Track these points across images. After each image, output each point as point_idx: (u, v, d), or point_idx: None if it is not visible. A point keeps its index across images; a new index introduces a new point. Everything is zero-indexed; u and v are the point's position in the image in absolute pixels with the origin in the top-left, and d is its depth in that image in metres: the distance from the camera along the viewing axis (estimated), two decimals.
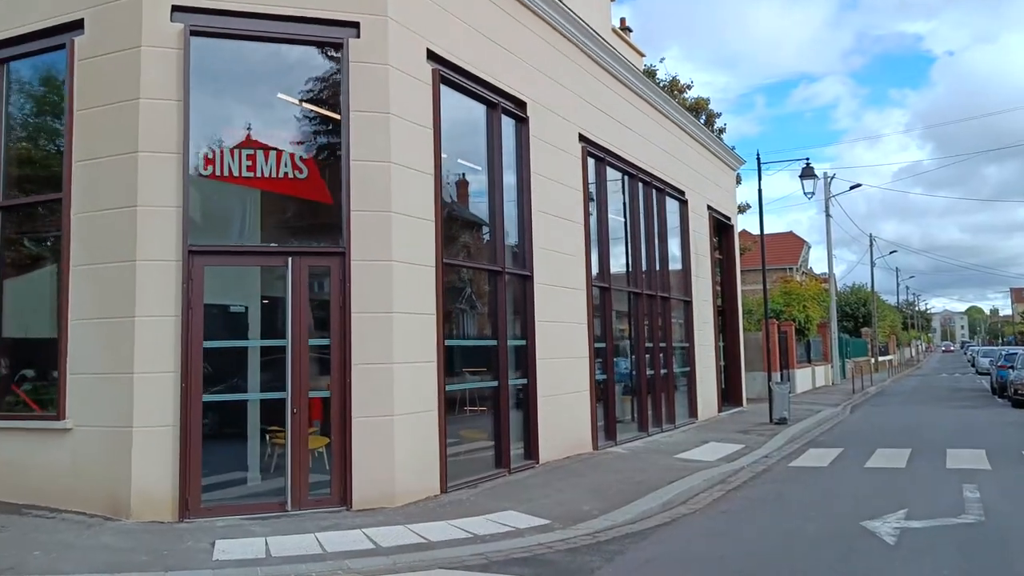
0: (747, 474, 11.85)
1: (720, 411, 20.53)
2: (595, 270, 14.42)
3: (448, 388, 9.95)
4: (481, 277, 11.37)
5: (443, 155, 10.15)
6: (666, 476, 10.91)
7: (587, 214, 13.84)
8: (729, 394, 22.78)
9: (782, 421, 17.98)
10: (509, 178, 11.92)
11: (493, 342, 11.13)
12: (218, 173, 8.78)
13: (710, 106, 29.42)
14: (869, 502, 9.40)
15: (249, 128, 8.94)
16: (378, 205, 9.01)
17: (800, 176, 19.54)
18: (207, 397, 8.38)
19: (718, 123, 29.96)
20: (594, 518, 8.52)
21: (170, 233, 8.34)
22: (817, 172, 19.24)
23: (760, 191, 18.65)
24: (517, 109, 11.92)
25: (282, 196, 9.11)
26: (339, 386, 8.74)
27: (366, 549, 7.22)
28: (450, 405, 10.27)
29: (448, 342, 10.13)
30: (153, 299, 8.24)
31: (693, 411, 18.65)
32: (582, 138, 13.89)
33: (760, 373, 27.31)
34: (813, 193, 19.01)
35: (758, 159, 18.54)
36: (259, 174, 8.91)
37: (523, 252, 11.94)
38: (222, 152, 8.79)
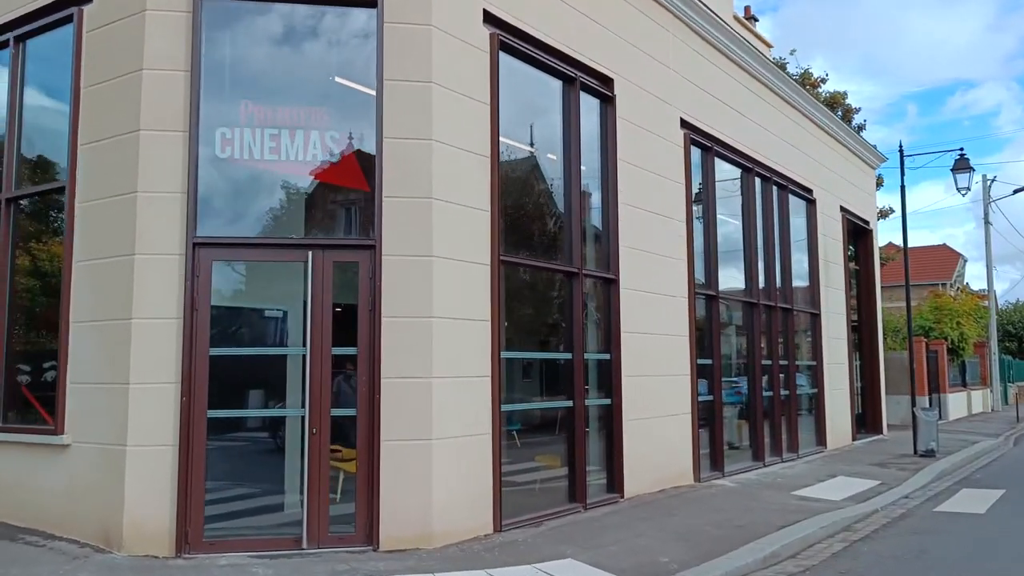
0: (880, 519, 9.77)
1: (855, 439, 18.10)
2: (700, 276, 12.62)
3: (506, 408, 8.46)
4: (552, 280, 9.83)
5: (510, 139, 8.72)
6: (776, 519, 9.02)
7: (691, 211, 12.07)
8: (867, 420, 20.27)
9: (929, 453, 15.49)
10: (591, 166, 10.35)
11: (567, 355, 9.55)
12: (237, 156, 7.64)
13: (847, 101, 26.72)
14: None
15: (273, 105, 7.77)
16: (416, 191, 7.65)
17: (952, 170, 16.94)
18: (213, 413, 7.20)
19: (856, 119, 27.21)
20: (671, 574, 6.81)
21: (173, 223, 7.25)
22: (975, 172, 16.61)
23: (903, 187, 16.24)
24: (601, 86, 10.35)
25: (310, 182, 7.89)
26: (366, 404, 7.40)
27: None
28: (515, 429, 8.81)
29: (507, 354, 8.65)
30: (153, 299, 7.16)
31: (821, 439, 16.38)
32: (685, 124, 12.15)
33: (904, 397, 24.35)
34: (968, 189, 16.42)
35: (900, 152, 16.15)
36: (283, 157, 7.73)
37: (606, 252, 10.32)
38: (242, 132, 7.67)
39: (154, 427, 7.04)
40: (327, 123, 7.85)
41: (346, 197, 7.94)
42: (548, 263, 9.60)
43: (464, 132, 8.10)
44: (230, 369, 7.41)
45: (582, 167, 9.93)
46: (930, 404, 25.43)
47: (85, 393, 7.46)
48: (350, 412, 7.44)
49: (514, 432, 10.02)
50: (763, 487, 11.59)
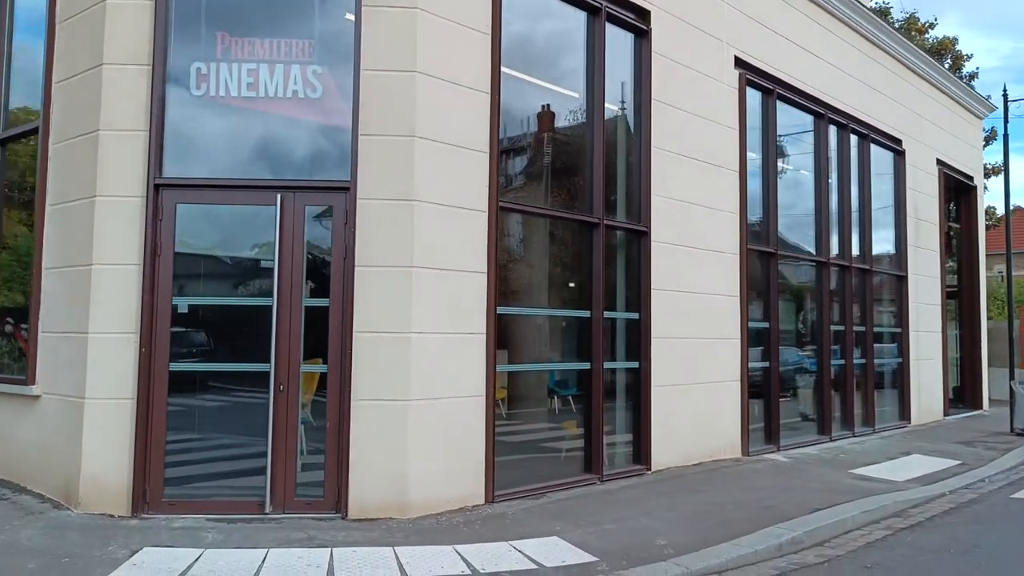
0: (942, 505, 8.61)
1: (947, 414, 16.56)
2: (758, 231, 11.51)
3: (504, 369, 7.74)
4: (571, 231, 8.99)
5: (524, 75, 7.90)
6: (815, 500, 8.03)
7: (744, 159, 10.94)
8: (965, 394, 18.60)
9: None
10: (625, 104, 9.42)
11: (584, 314, 8.72)
12: (212, 93, 7.11)
13: (957, 47, 24.39)
14: None
15: (251, 37, 7.18)
16: (396, 129, 6.94)
17: None
18: (176, 367, 6.75)
19: (968, 67, 24.85)
20: (662, 559, 5.99)
21: (135, 163, 6.78)
22: None
23: (1006, 135, 14.52)
24: (636, 19, 9.35)
25: (288, 120, 7.28)
26: (337, 359, 6.81)
27: None
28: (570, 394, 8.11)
29: (507, 309, 7.91)
30: (113, 244, 6.73)
31: (905, 413, 14.98)
32: (740, 63, 10.99)
33: (1018, 370, 22.46)
34: None
35: (1004, 96, 14.39)
36: (262, 93, 7.16)
37: (637, 202, 9.38)
38: (218, 68, 7.12)
39: (113, 380, 6.64)
40: (309, 56, 7.22)
41: (328, 137, 7.29)
42: (561, 212, 8.75)
43: (458, 65, 7.33)
44: (196, 320, 6.94)
45: (622, 109, 9.02)
46: None
47: (53, 343, 7.15)
48: (320, 368, 6.86)
49: (569, 397, 9.36)
50: (820, 464, 10.51)
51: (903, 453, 11.79)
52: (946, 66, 24.92)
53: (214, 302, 7.07)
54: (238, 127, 7.26)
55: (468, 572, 5.61)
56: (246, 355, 6.92)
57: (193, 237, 7.06)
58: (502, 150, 8.12)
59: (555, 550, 6.14)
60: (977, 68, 29.85)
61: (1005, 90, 14.42)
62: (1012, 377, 15.03)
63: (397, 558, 5.80)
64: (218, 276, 7.19)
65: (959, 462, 11.23)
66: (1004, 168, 14.34)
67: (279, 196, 6.82)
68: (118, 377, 6.64)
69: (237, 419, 7.04)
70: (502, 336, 8.48)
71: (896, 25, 25.70)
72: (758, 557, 6.28)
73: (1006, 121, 14.58)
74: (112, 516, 6.53)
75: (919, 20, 25.26)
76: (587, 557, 6.00)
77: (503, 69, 7.75)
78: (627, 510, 7.40)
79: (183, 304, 6.83)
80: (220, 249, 7.25)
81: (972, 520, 7.91)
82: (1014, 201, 69.16)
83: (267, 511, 6.64)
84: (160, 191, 6.78)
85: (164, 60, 6.90)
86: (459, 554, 5.95)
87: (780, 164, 12.20)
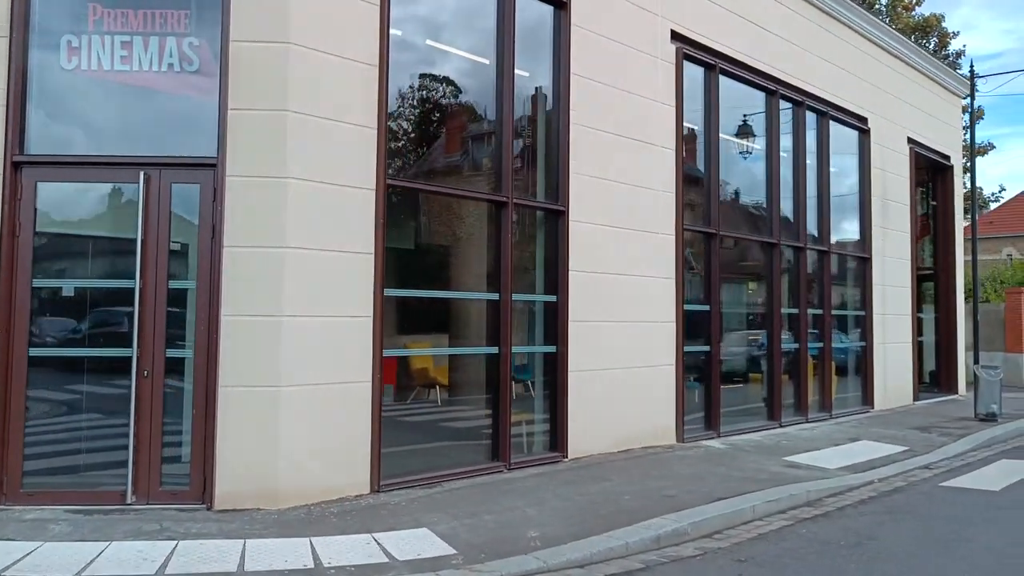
0: (864, 493, 8.29)
1: (917, 399, 16.16)
2: (699, 211, 11.16)
3: (391, 353, 7.46)
4: (475, 209, 8.67)
5: (434, 43, 7.59)
6: (725, 489, 7.72)
7: (680, 136, 10.57)
8: (940, 378, 18.19)
9: (989, 417, 13.53)
10: (541, 81, 9.10)
11: (493, 296, 8.42)
12: (84, 67, 6.84)
13: (943, 24, 23.78)
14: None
15: (125, 8, 6.88)
16: (267, 103, 6.64)
17: None
18: (35, 352, 6.50)
19: (954, 45, 24.24)
20: (526, 552, 5.71)
21: None
22: None
23: (972, 111, 14.06)
24: None
25: (165, 94, 6.99)
26: (203, 344, 6.54)
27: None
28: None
29: (397, 292, 7.63)
30: None
31: (868, 398, 14.61)
32: (678, 36, 10.60)
33: (998, 354, 22.03)
34: None
35: (971, 71, 13.89)
36: (136, 67, 6.88)
37: (555, 180, 9.04)
38: (90, 40, 6.84)
39: None
40: (186, 28, 6.93)
41: (201, 112, 6.98)
42: (462, 190, 8.43)
43: (340, 35, 7.01)
44: (58, 304, 6.68)
45: (539, 85, 8.68)
46: None
47: None
48: (186, 353, 6.60)
49: (528, 382, 9.12)
50: (756, 451, 10.19)
51: (851, 439, 11.44)
52: (932, 44, 24.32)
53: (76, 284, 6.79)
54: (110, 102, 6.99)
55: (311, 566, 5.35)
56: (110, 340, 6.66)
57: (57, 217, 6.79)
58: (399, 124, 7.83)
59: (418, 542, 5.87)
60: (964, 46, 29.18)
61: (972, 67, 13.92)
62: (976, 362, 14.62)
63: (243, 551, 5.55)
64: (84, 257, 6.91)
65: (906, 448, 10.88)
66: (970, 148, 13.88)
67: (143, 173, 6.54)
68: None
69: (104, 406, 6.77)
70: (408, 320, 8.23)
71: (884, 2, 25.11)
72: (629, 550, 5.98)
73: (972, 98, 14.09)
74: None
75: None
76: (447, 550, 5.73)
77: (402, 37, 7.43)
78: (518, 500, 7.12)
79: (44, 287, 6.57)
80: (86, 229, 6.96)
81: (885, 510, 7.58)
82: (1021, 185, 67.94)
83: (129, 501, 6.39)
84: (19, 169, 6.51)
85: (25, 30, 6.62)
86: (312, 547, 5.69)
87: (746, 143, 11.85)
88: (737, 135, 12.61)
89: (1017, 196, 55.35)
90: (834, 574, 5.63)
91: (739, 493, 7.60)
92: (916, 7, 24.69)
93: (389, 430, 7.61)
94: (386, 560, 5.51)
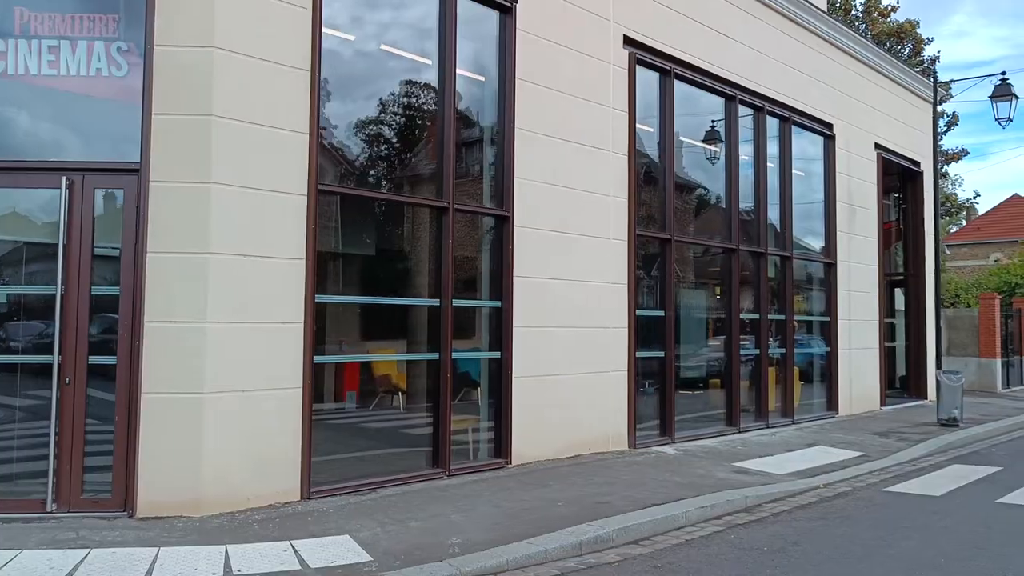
0: (807, 499, 8.28)
1: (884, 404, 16.16)
2: (653, 216, 11.15)
3: (321, 360, 7.42)
4: (415, 214, 8.65)
5: (372, 46, 7.56)
6: (663, 495, 7.69)
7: (633, 142, 10.56)
8: (910, 383, 18.19)
9: (951, 422, 13.53)
10: (488, 85, 9.08)
11: (433, 302, 8.39)
12: (12, 71, 6.81)
13: (918, 30, 23.80)
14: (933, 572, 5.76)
15: (52, 11, 6.86)
16: (192, 107, 6.62)
17: (991, 97, 14.49)
18: None
19: (929, 51, 24.28)
20: (441, 559, 5.67)
21: None
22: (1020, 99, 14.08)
23: (935, 116, 14.05)
24: None
25: (92, 99, 6.96)
26: (126, 351, 6.50)
27: None
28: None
29: (329, 298, 7.61)
30: None
31: (832, 403, 14.58)
32: (631, 42, 10.60)
33: (973, 359, 22.09)
34: (1010, 120, 13.97)
35: (934, 76, 13.90)
36: (64, 71, 6.86)
37: (500, 185, 9.03)
38: (16, 44, 6.82)
39: None
40: (114, 32, 6.92)
41: (127, 117, 6.93)
42: (399, 196, 8.42)
43: (268, 41, 6.99)
44: None
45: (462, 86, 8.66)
46: (1008, 367, 22.84)
47: None
48: (109, 360, 6.55)
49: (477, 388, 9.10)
50: (708, 457, 10.16)
51: (808, 445, 11.43)
52: (907, 50, 24.37)
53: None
54: (36, 107, 6.96)
55: (219, 574, 5.31)
56: (32, 347, 6.62)
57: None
58: (335, 129, 7.82)
59: (336, 549, 5.83)
60: (939, 52, 29.31)
61: (935, 73, 13.94)
62: (939, 367, 14.63)
63: (155, 559, 5.51)
64: (6, 264, 6.85)
65: (861, 453, 10.87)
66: (933, 155, 13.90)
67: (65, 179, 6.51)
68: None
69: (26, 414, 6.72)
70: (346, 326, 8.20)
71: (860, 9, 25.14)
72: (549, 557, 5.95)
73: (935, 105, 14.11)
74: None
75: (881, 3, 24.64)
76: (363, 557, 5.70)
77: (338, 39, 7.41)
78: (449, 507, 7.08)
79: None
80: (8, 234, 6.87)
81: (820, 515, 7.56)
82: (1013, 189, 68.10)
83: (49, 509, 6.35)
84: None
85: None
86: (226, 554, 5.65)
87: (708, 147, 11.84)
88: (705, 140, 12.64)
89: (1004, 202, 55.42)
90: None
91: (677, 499, 7.58)
92: (892, 13, 24.76)
93: (328, 436, 7.62)
94: (298, 567, 5.47)
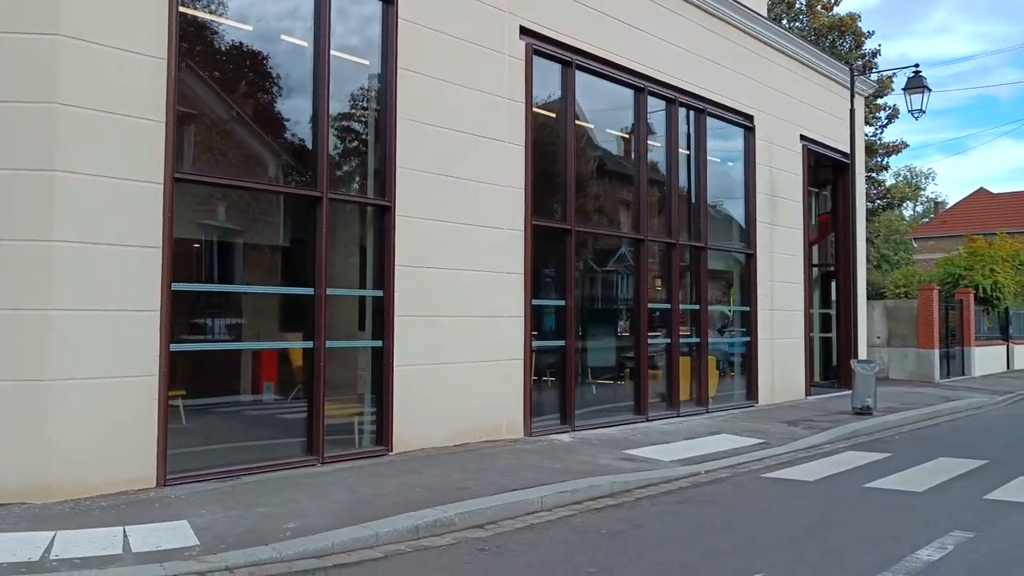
0: (679, 484, 8.39)
1: (808, 394, 16.33)
2: (553, 207, 11.21)
3: (177, 348, 7.42)
4: (286, 203, 8.66)
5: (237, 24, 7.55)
6: (534, 480, 7.77)
7: (530, 133, 10.61)
8: (841, 373, 18.35)
9: (864, 411, 13.71)
10: (372, 72, 9.11)
11: (307, 291, 8.41)
12: None
13: (859, 23, 23.98)
14: (737, 558, 5.85)
15: None
16: (35, 95, 6.61)
17: (904, 89, 14.66)
18: None
19: (869, 44, 24.47)
20: (268, 543, 5.71)
21: None
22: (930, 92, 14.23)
23: (852, 110, 14.19)
24: None
25: None
26: None
27: None
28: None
29: (186, 286, 7.61)
30: None
31: (752, 392, 14.74)
32: (527, 32, 10.64)
33: (912, 349, 22.36)
34: (923, 111, 14.13)
35: (851, 68, 14.05)
36: None
37: (382, 174, 9.06)
38: None
39: None
40: None
41: None
42: (266, 184, 8.43)
43: (119, 27, 6.97)
44: None
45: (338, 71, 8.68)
46: (948, 358, 23.13)
47: None
48: None
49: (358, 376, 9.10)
50: (601, 444, 10.25)
51: (711, 433, 11.55)
52: (847, 44, 24.58)
53: None
54: None
55: (35, 559, 5.32)
56: None
57: None
58: (196, 114, 7.82)
59: (167, 535, 5.85)
60: (879, 45, 29.64)
61: (851, 64, 14.08)
62: (855, 355, 14.80)
63: None
64: None
65: (761, 441, 10.99)
66: (850, 145, 14.04)
67: None
68: None
69: None
70: (214, 315, 8.20)
71: (804, 2, 25.32)
72: (380, 540, 5.99)
73: (852, 96, 14.25)
74: None
75: None
76: (191, 542, 5.72)
77: (200, 21, 7.40)
78: (305, 493, 7.11)
79: None
80: None
81: (681, 500, 7.67)
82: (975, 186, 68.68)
83: None
84: None
85: None
86: (52, 540, 5.65)
87: (617, 135, 11.90)
88: (617, 131, 12.71)
89: (971, 195, 56.12)
90: (563, 560, 5.67)
91: (541, 484, 7.64)
92: (835, 7, 24.95)
93: (201, 425, 7.62)
94: (119, 552, 5.49)
